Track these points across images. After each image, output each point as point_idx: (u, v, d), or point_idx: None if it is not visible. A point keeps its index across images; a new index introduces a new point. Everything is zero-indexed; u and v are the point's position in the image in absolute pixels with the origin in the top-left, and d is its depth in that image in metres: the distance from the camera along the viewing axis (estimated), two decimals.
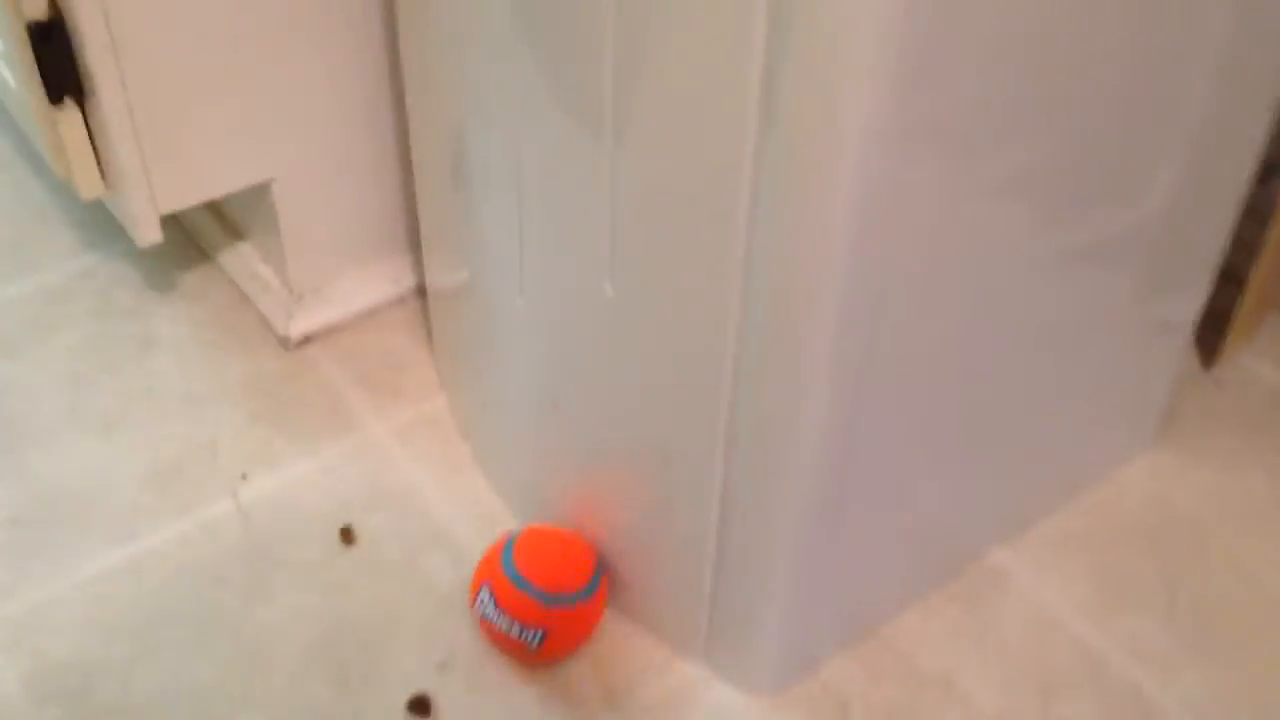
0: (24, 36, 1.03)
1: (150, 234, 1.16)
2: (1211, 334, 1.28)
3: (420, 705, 0.99)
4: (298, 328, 1.29)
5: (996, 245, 0.84)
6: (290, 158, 1.20)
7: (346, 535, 1.12)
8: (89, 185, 1.15)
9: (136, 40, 1.05)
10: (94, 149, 1.12)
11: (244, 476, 1.17)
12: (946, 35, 0.67)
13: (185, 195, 1.17)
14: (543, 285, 0.94)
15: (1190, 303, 1.12)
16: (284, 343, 1.30)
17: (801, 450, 0.85)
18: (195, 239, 1.41)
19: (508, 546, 0.99)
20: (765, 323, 0.79)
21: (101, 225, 1.41)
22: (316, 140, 1.21)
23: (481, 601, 0.98)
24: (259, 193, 1.22)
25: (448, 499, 1.16)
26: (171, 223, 1.22)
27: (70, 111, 1.09)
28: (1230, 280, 1.20)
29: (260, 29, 1.10)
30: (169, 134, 1.12)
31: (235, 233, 1.37)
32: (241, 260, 1.35)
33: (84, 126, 1.10)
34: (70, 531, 1.13)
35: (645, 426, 0.92)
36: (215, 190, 1.19)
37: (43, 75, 1.05)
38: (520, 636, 0.97)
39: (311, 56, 1.15)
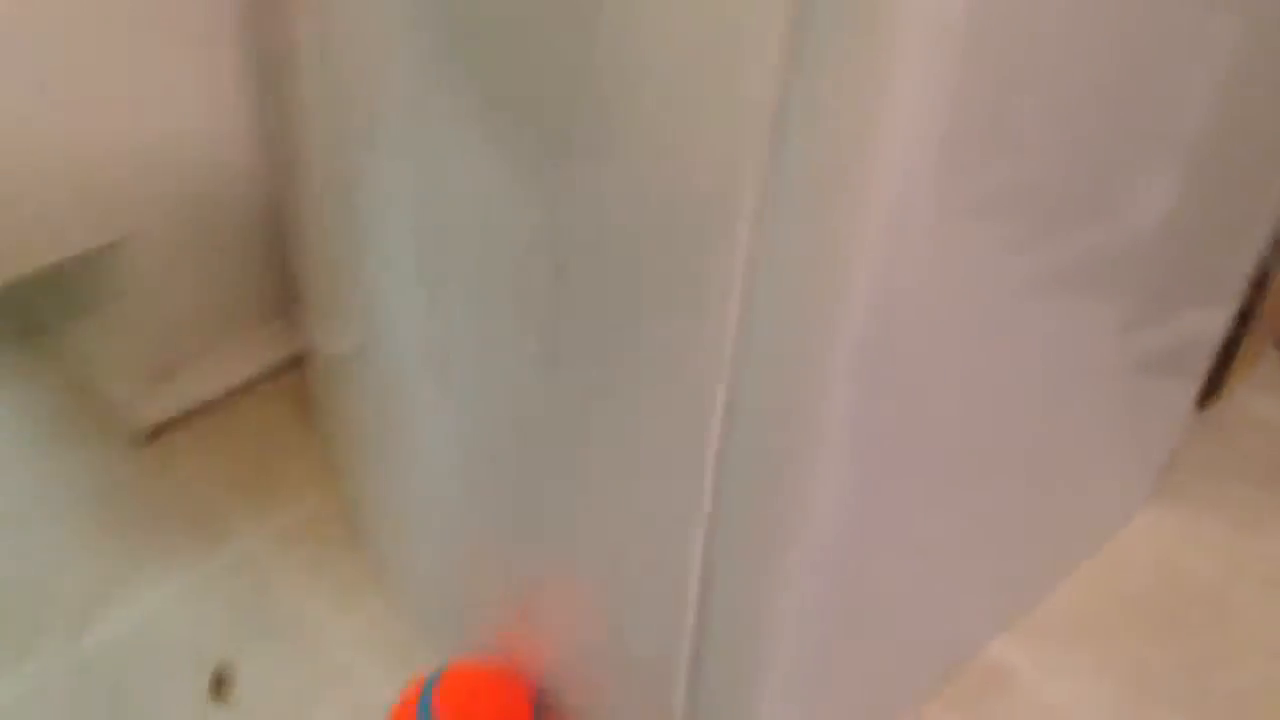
0: None
1: None
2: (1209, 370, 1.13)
3: None
4: (152, 415, 1.09)
5: (1016, 302, 0.72)
6: (140, 215, 1.01)
7: (219, 684, 0.91)
8: None
9: None
10: None
11: (89, 612, 0.97)
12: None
13: (7, 266, 0.96)
14: (462, 361, 0.78)
15: (1212, 332, 0.99)
16: (136, 435, 1.09)
17: (794, 551, 0.71)
18: (23, 310, 1.20)
19: (425, 695, 0.81)
20: (760, 405, 0.63)
21: None
22: (171, 193, 1.02)
23: None
24: (102, 256, 1.01)
25: (345, 626, 0.97)
26: None
27: None
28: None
29: (98, 65, 0.92)
30: None
31: (73, 303, 1.15)
32: (81, 335, 1.14)
33: None
34: None
35: (603, 532, 0.75)
36: (47, 257, 1.00)
37: None
38: None
39: (163, 96, 0.97)
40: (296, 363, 1.15)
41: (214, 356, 1.12)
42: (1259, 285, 1.05)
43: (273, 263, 1.11)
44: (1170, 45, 0.67)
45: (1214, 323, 0.99)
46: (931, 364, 0.69)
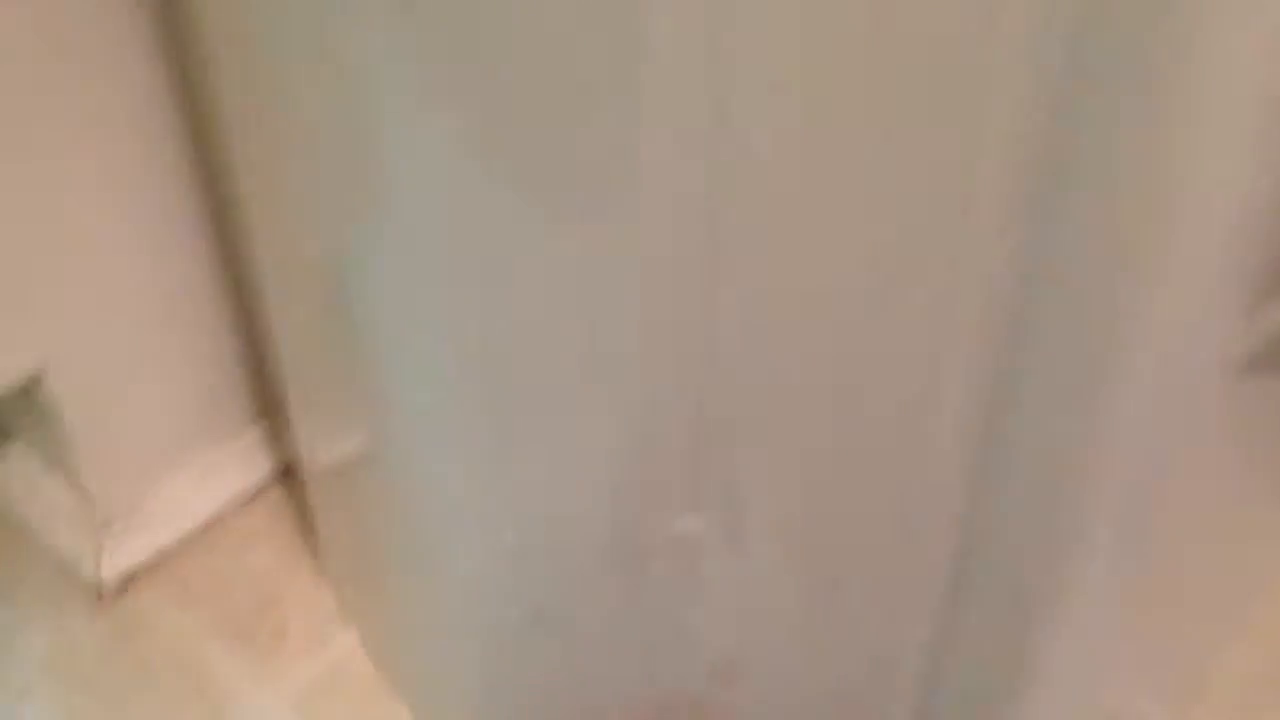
0: None
1: None
2: None
3: None
4: (114, 565, 0.90)
5: None
6: (67, 334, 0.81)
7: None
8: None
9: None
10: None
11: None
12: None
13: None
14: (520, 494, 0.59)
15: None
16: (98, 590, 0.89)
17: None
18: None
19: None
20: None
21: None
22: (103, 301, 0.83)
23: None
24: (27, 387, 0.82)
25: None
26: None
27: None
28: None
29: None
30: None
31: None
32: (15, 474, 0.94)
33: None
34: None
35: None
36: None
37: None
38: None
39: (84, 188, 0.78)
40: (286, 472, 0.96)
41: (182, 483, 0.93)
42: None
43: (242, 363, 0.92)
44: None
45: None
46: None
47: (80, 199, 0.78)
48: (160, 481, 0.92)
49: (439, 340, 0.59)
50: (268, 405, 0.95)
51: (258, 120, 0.64)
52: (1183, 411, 0.45)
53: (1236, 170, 0.35)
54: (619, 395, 0.52)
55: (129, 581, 0.90)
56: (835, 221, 0.42)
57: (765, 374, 0.47)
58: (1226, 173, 0.35)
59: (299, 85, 0.57)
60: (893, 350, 0.44)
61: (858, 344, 0.44)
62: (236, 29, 0.60)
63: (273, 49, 0.57)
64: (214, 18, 0.63)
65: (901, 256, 0.41)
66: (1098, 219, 0.37)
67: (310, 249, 0.65)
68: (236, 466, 0.94)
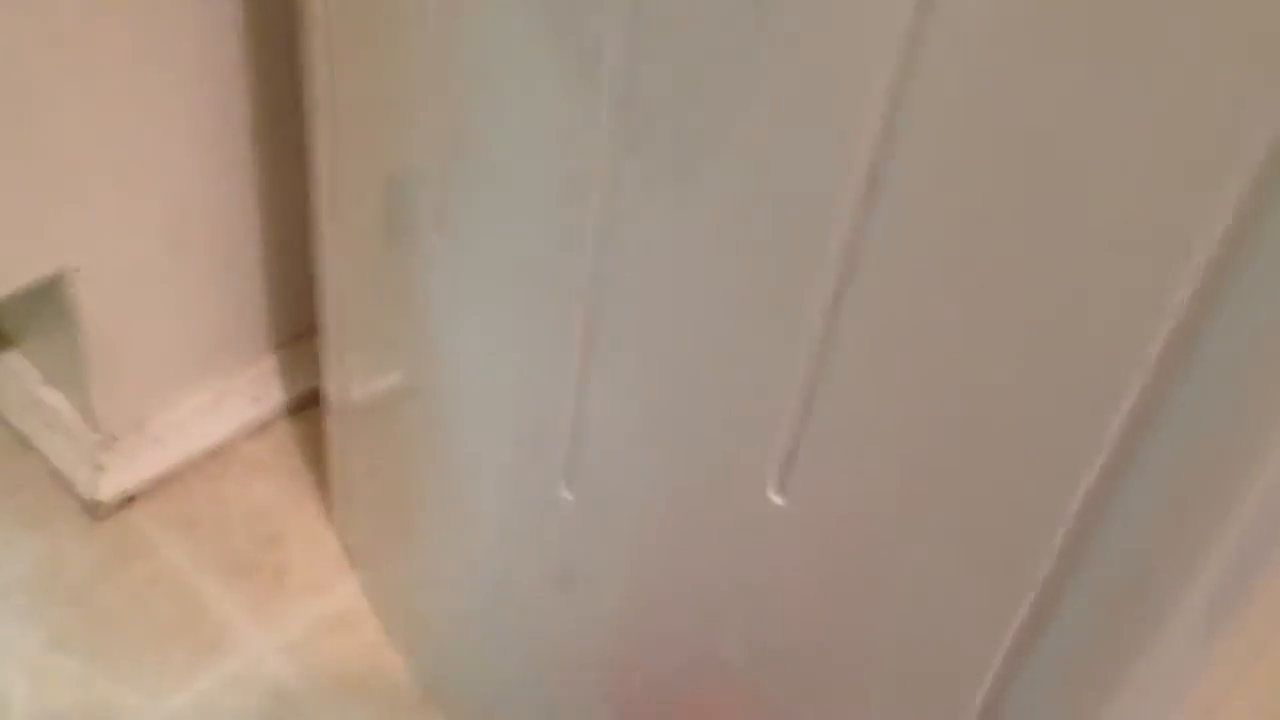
0: None
1: None
2: None
3: None
4: (113, 484, 0.86)
5: None
6: (98, 239, 0.77)
7: None
8: None
9: None
10: None
11: None
12: None
13: None
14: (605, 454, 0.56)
15: None
16: (91, 509, 0.86)
17: None
18: None
19: None
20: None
21: None
22: (139, 210, 0.79)
23: None
24: (42, 290, 0.78)
25: None
26: None
27: None
28: None
29: (38, 50, 0.68)
30: None
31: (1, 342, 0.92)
32: (13, 383, 0.90)
33: None
34: None
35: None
36: None
37: None
38: None
39: (132, 94, 0.74)
40: (296, 408, 0.92)
41: (189, 407, 0.89)
42: None
43: (264, 287, 0.89)
44: None
45: None
46: None
47: (128, 104, 0.74)
48: (168, 402, 0.88)
49: (512, 273, 0.56)
50: (286, 337, 0.91)
51: (344, 38, 0.61)
52: None
53: None
54: (717, 342, 0.49)
55: (126, 502, 0.87)
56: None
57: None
58: None
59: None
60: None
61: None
62: None
63: None
64: None
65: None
66: None
67: (383, 169, 0.62)
68: (248, 395, 0.91)
